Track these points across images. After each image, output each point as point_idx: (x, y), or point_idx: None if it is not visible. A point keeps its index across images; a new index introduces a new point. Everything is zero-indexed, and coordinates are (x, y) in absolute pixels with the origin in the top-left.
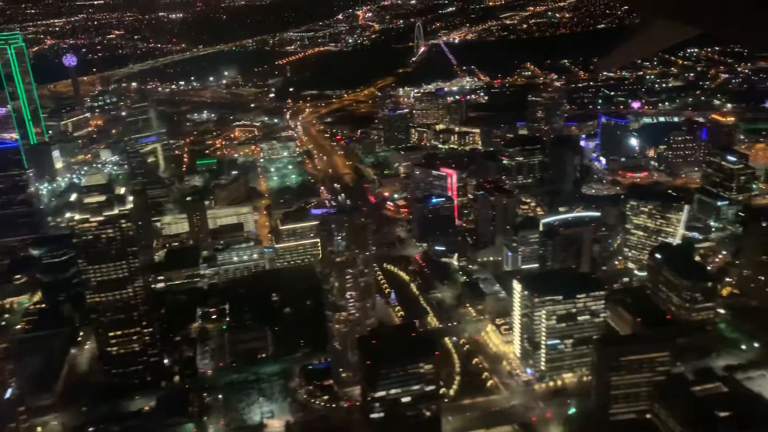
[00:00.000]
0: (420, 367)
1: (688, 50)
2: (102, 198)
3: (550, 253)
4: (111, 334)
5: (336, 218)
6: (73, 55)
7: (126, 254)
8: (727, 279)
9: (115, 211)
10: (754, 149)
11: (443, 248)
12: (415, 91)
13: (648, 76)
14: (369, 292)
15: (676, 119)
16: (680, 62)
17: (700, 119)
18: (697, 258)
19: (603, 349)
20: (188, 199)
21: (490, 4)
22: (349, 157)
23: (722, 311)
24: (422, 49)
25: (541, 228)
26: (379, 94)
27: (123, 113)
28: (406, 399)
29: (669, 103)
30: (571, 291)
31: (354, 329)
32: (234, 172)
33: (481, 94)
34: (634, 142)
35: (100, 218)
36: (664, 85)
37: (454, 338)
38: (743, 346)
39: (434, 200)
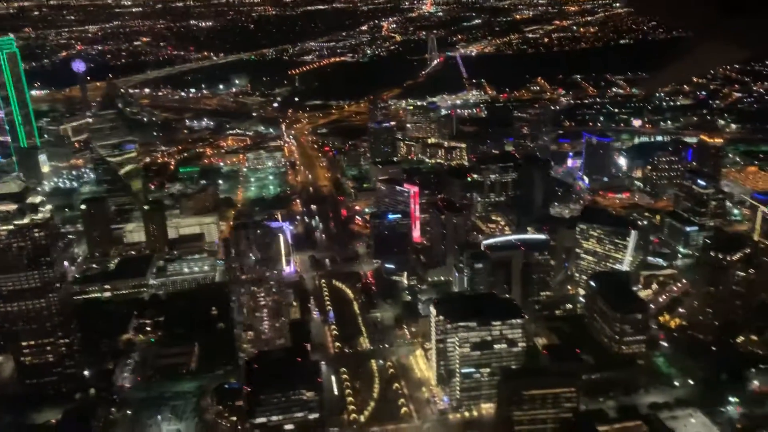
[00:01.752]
0: (302, 394)
1: None
2: (13, 206)
3: (478, 276)
4: (24, 344)
5: (248, 233)
6: (81, 60)
7: (39, 264)
8: (681, 310)
9: (26, 221)
10: (745, 172)
11: (393, 266)
12: (408, 103)
13: (658, 94)
14: (279, 311)
15: (668, 138)
16: (695, 79)
17: (689, 139)
18: (654, 286)
19: (504, 382)
20: (145, 207)
21: (518, 17)
22: (333, 169)
23: (665, 344)
24: (436, 61)
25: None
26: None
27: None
28: (288, 426)
29: (672, 122)
30: (487, 317)
31: (263, 349)
32: (202, 182)
33: (482, 108)
34: (622, 161)
35: (10, 227)
36: (671, 103)
37: (381, 361)
38: (676, 383)
39: (390, 216)
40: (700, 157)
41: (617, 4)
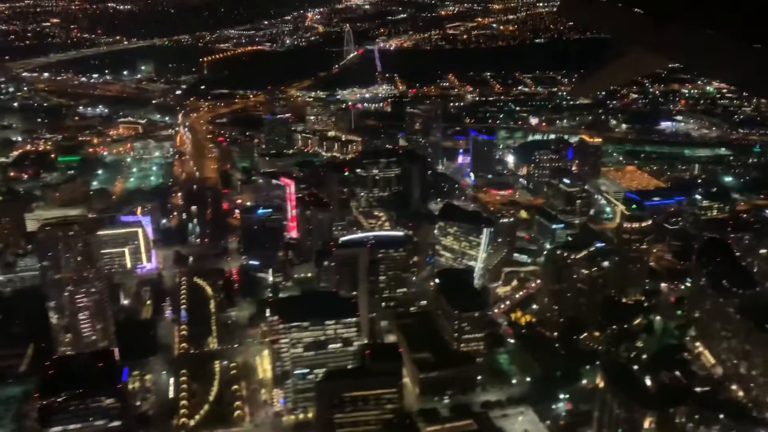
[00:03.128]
0: (101, 401)
1: None
2: None
3: (326, 274)
4: None
5: (59, 233)
6: None
7: None
8: (535, 306)
9: None
10: (623, 171)
11: (257, 263)
12: (309, 95)
13: (561, 92)
14: (103, 311)
15: (551, 137)
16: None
17: (571, 139)
18: (515, 282)
19: (322, 385)
20: None
21: (443, 13)
22: (224, 161)
23: (511, 341)
24: (352, 54)
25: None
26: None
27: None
28: None
29: (568, 120)
30: (320, 317)
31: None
32: (70, 172)
33: (389, 102)
34: (510, 159)
35: None
36: (571, 102)
37: (225, 362)
38: (514, 381)
39: (260, 211)
40: (581, 156)
41: (540, 4)
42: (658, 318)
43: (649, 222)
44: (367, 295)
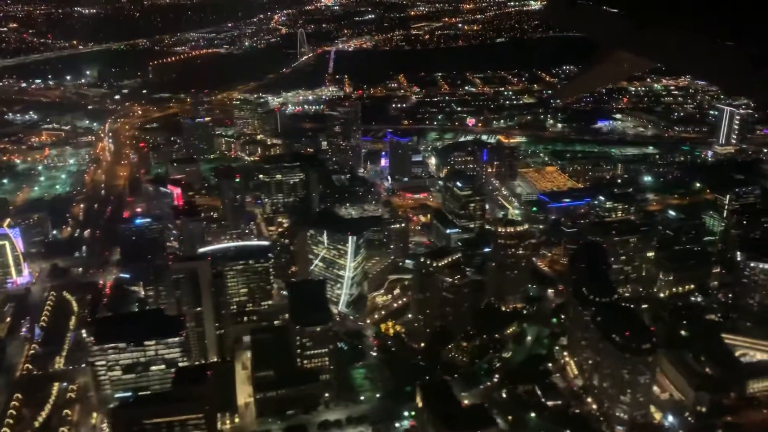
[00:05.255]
0: None
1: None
2: None
3: (165, 290)
4: None
5: None
6: None
7: None
8: (410, 316)
9: None
10: (543, 172)
11: (129, 276)
12: (236, 98)
13: (507, 92)
14: None
15: (468, 138)
16: (547, 78)
17: (489, 140)
18: (397, 291)
19: (117, 411)
20: None
21: (412, 13)
22: (140, 167)
23: (374, 354)
24: (305, 57)
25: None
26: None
27: None
28: None
29: (506, 120)
30: (139, 337)
31: None
32: None
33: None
34: (432, 161)
35: None
36: (515, 102)
37: (65, 384)
38: (362, 398)
39: (138, 221)
40: (493, 157)
41: (511, 3)
42: (532, 326)
43: (525, 227)
44: (212, 310)
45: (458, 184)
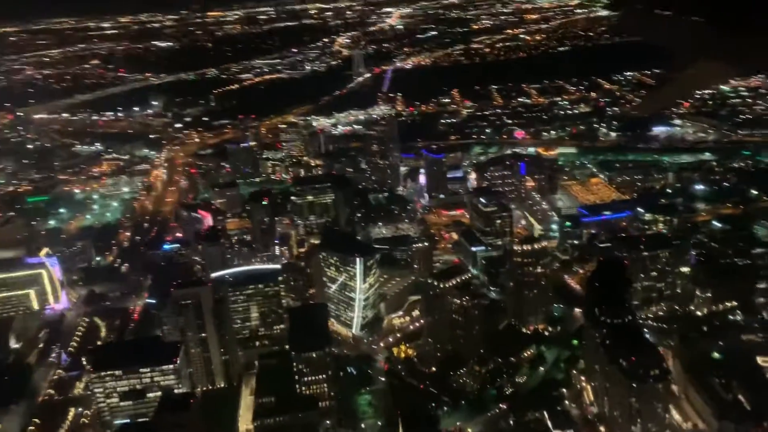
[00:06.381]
0: None
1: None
2: None
3: (167, 318)
4: None
5: None
6: None
7: None
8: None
9: None
10: (587, 184)
11: (154, 301)
12: (285, 121)
13: (562, 102)
14: None
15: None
16: (606, 86)
17: (525, 152)
18: (416, 312)
19: None
20: None
21: (475, 27)
22: (189, 192)
23: (383, 378)
24: (362, 77)
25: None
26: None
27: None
28: None
29: (557, 132)
30: (134, 364)
31: None
32: (10, 214)
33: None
34: (472, 177)
35: None
36: (570, 112)
37: (80, 409)
38: (363, 425)
39: (166, 246)
40: (536, 170)
41: (578, 11)
42: (552, 349)
43: (543, 244)
44: (217, 336)
45: (482, 200)
